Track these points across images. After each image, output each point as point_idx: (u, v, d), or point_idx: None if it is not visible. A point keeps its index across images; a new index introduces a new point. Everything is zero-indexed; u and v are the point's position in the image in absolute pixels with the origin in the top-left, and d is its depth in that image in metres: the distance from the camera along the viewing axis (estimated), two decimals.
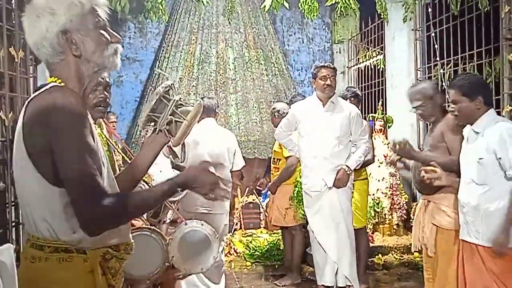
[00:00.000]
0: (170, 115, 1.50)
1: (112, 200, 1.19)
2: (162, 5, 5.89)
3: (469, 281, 2.46)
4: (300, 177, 3.98)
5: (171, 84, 1.56)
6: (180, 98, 1.54)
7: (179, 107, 1.52)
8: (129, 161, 2.36)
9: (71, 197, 1.19)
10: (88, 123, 1.23)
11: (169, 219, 2.41)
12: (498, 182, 2.32)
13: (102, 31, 1.31)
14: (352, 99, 4.05)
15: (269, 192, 4.59)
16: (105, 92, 2.27)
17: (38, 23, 1.25)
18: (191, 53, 6.60)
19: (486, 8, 4.55)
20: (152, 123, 1.55)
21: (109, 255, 1.31)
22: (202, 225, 2.36)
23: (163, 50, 6.74)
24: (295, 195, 4.16)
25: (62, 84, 1.27)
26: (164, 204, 2.42)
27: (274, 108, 4.40)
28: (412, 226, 5.28)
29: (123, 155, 2.52)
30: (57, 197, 1.22)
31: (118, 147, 2.57)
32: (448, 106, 3.11)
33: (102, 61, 1.31)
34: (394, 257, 4.80)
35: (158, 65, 6.63)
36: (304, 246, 4.27)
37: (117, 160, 2.45)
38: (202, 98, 3.87)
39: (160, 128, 1.51)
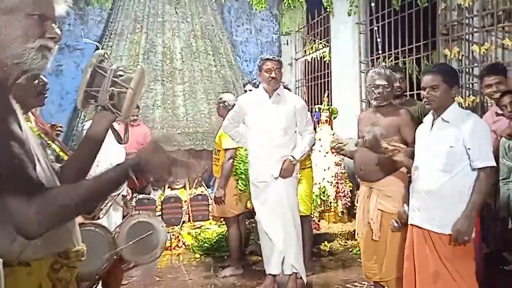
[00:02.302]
0: (110, 87, 1.30)
1: (51, 193, 1.05)
2: None
3: (418, 266, 2.47)
4: (238, 168, 4.08)
5: (104, 53, 1.38)
6: (118, 67, 1.35)
7: (120, 77, 1.33)
8: (64, 154, 2.26)
9: (1, 197, 1.02)
10: (11, 111, 1.08)
11: (104, 214, 2.35)
12: (463, 171, 2.35)
13: (37, 21, 1.13)
14: None
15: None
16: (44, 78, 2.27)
17: None
18: (136, 42, 6.41)
19: (425, 5, 4.76)
20: (93, 100, 1.34)
21: (58, 264, 1.16)
22: (148, 215, 2.37)
23: (106, 39, 6.49)
24: (240, 185, 4.18)
25: None
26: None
27: (220, 99, 4.39)
28: (356, 213, 5.56)
29: (58, 148, 2.40)
30: None
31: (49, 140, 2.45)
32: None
33: (21, 52, 1.11)
34: (339, 243, 4.97)
35: None
36: (239, 238, 4.28)
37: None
38: None
39: (102, 104, 1.31)
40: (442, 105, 2.46)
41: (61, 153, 2.45)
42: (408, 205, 2.67)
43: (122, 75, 1.34)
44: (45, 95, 2.36)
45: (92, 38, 6.74)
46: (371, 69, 5.66)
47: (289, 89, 4.34)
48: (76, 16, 6.70)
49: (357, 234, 3.19)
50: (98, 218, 2.44)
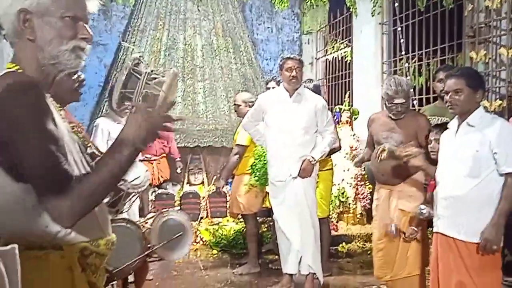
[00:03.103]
0: (144, 89, 1.36)
1: (80, 185, 1.12)
2: None
3: (443, 275, 2.42)
4: (254, 165, 4.13)
5: (139, 57, 1.44)
6: (152, 70, 1.41)
7: (152, 80, 1.38)
8: (91, 149, 2.30)
9: (37, 191, 1.11)
10: (47, 109, 1.15)
11: (127, 209, 2.39)
12: (490, 176, 2.30)
13: (69, 23, 1.20)
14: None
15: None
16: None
17: None
18: (158, 38, 6.45)
19: (451, 6, 4.67)
20: (127, 101, 1.41)
21: (88, 251, 1.23)
22: (178, 213, 2.44)
23: (128, 35, 6.55)
24: (253, 180, 4.20)
25: (20, 70, 1.18)
26: (126, 193, 2.38)
27: (235, 100, 4.45)
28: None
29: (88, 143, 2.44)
30: (24, 194, 1.13)
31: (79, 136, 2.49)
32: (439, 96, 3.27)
33: (56, 54, 1.19)
34: (357, 245, 4.93)
35: (123, 49, 6.44)
36: (257, 235, 4.30)
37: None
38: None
39: (136, 105, 1.36)
40: (466, 109, 2.41)
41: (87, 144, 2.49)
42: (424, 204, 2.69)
43: (155, 78, 1.38)
44: (81, 90, 2.42)
45: (115, 34, 6.82)
46: (393, 70, 5.61)
47: (318, 87, 4.33)
48: (100, 11, 6.77)
49: (376, 236, 3.15)
50: (121, 212, 2.48)
